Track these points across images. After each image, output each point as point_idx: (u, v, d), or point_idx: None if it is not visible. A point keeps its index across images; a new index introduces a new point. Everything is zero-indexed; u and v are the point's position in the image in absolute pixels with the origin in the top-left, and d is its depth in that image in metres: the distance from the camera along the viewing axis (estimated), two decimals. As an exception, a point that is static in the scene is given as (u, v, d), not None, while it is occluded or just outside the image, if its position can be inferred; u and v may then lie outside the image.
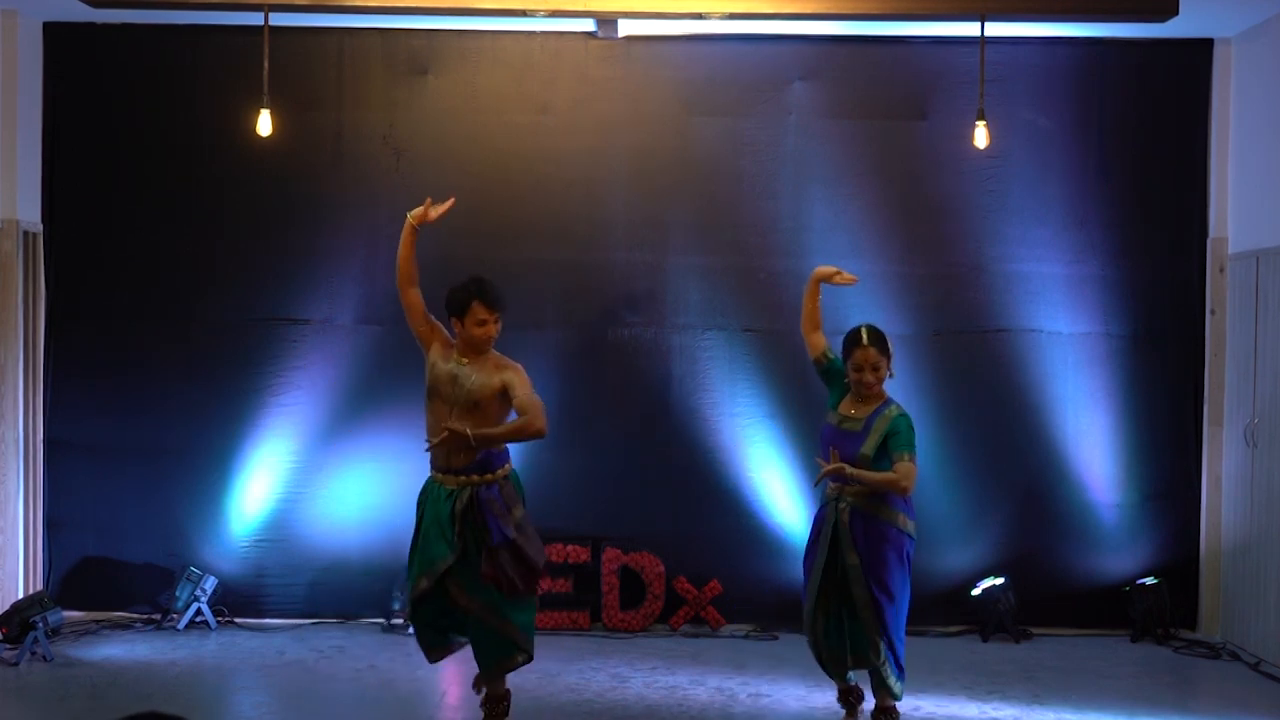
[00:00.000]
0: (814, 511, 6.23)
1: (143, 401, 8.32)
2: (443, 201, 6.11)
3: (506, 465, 5.97)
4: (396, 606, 7.99)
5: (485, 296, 5.88)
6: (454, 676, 7.10)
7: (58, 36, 8.29)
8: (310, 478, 8.30)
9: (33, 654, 7.25)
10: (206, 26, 8.19)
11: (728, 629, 8.17)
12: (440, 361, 5.95)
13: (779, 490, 8.19)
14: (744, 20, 7.61)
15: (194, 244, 8.36)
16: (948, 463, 8.27)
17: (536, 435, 5.78)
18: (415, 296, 6.06)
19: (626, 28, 8.21)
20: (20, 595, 7.89)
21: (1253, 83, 8.00)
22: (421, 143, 8.36)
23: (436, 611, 5.94)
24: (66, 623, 7.70)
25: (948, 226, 8.33)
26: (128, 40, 8.32)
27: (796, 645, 7.13)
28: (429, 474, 6.02)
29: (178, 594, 8.06)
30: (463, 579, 5.84)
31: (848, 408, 5.92)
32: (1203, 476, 8.27)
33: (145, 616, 8.20)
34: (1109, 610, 8.22)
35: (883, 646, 5.83)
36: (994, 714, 6.64)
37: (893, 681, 5.92)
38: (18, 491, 8.06)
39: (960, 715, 6.61)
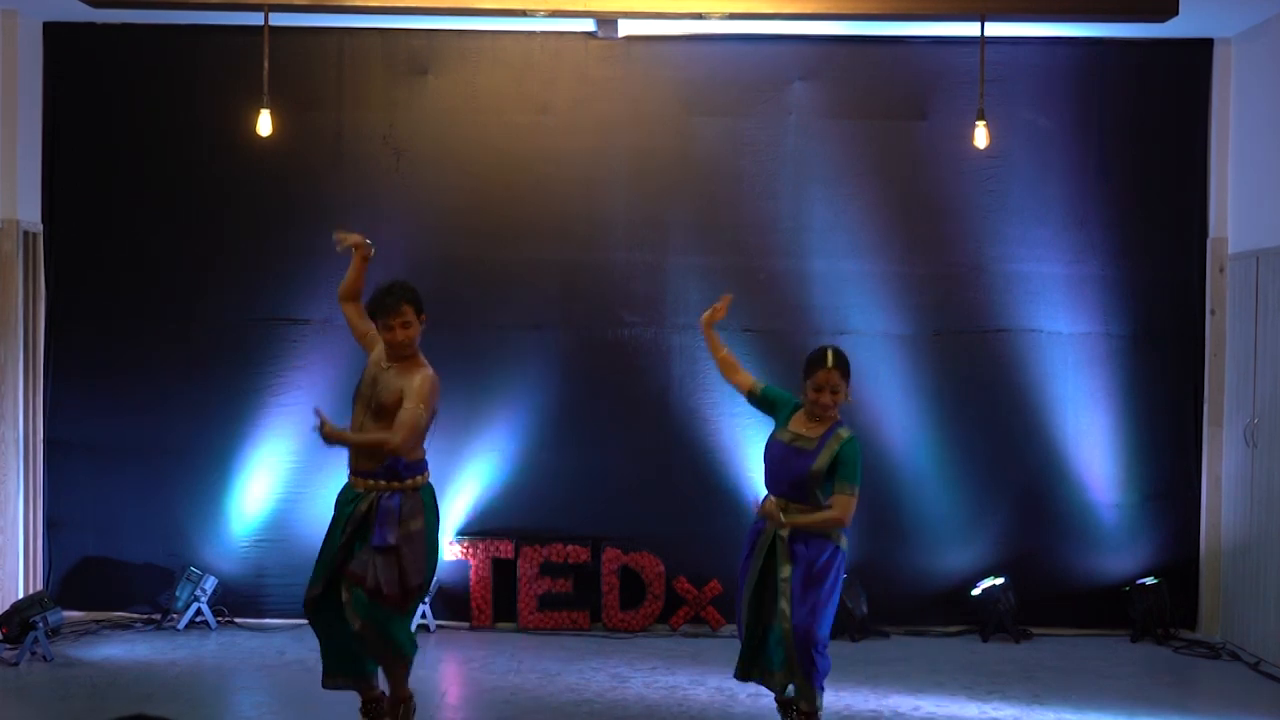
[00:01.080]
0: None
1: (143, 401, 8.32)
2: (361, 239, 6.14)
3: (418, 477, 5.78)
4: None
5: (381, 303, 5.76)
6: (454, 676, 7.10)
7: (58, 36, 8.29)
8: (310, 478, 8.29)
9: (33, 654, 7.25)
10: (206, 26, 8.19)
11: (728, 629, 8.16)
12: (371, 363, 5.87)
13: (779, 490, 8.18)
14: (744, 20, 7.62)
15: (194, 244, 8.37)
16: (948, 463, 8.27)
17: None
18: (349, 309, 6.06)
19: (626, 28, 8.21)
20: (20, 595, 7.89)
21: (1253, 83, 8.00)
22: (421, 143, 8.36)
23: (331, 621, 5.77)
24: (66, 623, 7.70)
25: (948, 226, 8.33)
26: (128, 40, 8.33)
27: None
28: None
29: (178, 594, 8.07)
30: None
31: (800, 426, 5.80)
32: (1203, 476, 8.27)
33: (145, 616, 8.21)
34: (1109, 610, 8.22)
35: (799, 663, 5.70)
36: (994, 714, 6.64)
37: (813, 694, 5.71)
38: (18, 491, 8.06)
39: (960, 715, 6.62)
